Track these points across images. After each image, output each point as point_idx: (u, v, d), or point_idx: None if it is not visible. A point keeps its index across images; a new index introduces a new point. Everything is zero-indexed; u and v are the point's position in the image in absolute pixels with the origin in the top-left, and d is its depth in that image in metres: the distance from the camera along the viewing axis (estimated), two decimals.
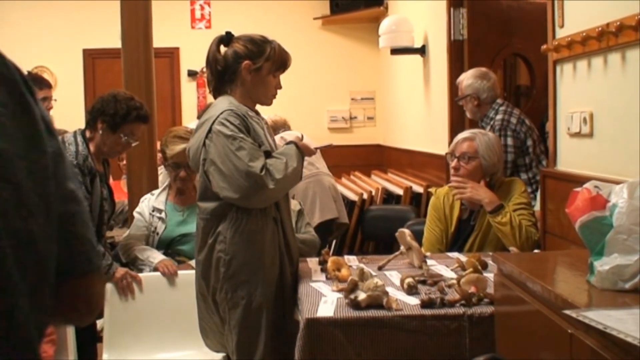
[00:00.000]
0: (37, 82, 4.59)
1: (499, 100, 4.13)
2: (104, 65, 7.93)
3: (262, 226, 2.76)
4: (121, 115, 3.28)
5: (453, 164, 3.36)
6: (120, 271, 3.30)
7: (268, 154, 2.76)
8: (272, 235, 2.79)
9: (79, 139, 3.26)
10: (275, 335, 2.76)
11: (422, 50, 5.79)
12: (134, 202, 4.28)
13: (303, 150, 2.85)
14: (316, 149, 3.12)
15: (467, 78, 4.18)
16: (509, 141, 3.92)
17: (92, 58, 8.19)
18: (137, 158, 4.31)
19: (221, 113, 2.71)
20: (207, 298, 2.86)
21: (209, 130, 2.71)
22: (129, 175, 4.50)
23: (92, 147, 3.28)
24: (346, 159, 7.71)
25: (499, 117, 4.02)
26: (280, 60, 2.86)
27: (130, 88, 4.50)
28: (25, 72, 1.08)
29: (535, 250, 3.14)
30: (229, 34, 2.88)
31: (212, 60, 2.84)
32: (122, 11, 4.52)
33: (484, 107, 4.13)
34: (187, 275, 3.32)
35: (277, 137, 5.36)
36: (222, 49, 2.86)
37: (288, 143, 2.88)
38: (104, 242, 3.38)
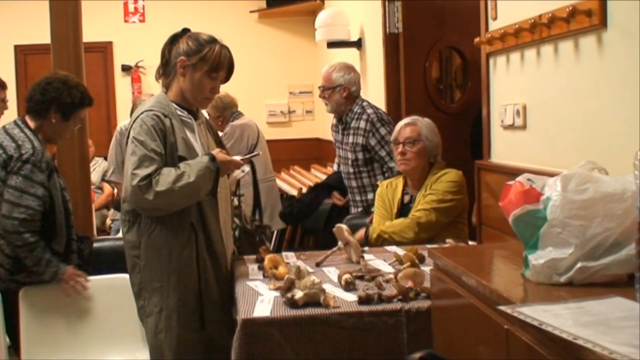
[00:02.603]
0: None
1: (362, 96, 4.33)
2: (36, 61, 7.74)
3: (176, 231, 2.68)
4: (77, 102, 3.20)
5: (399, 149, 3.47)
6: (68, 272, 3.12)
7: (183, 160, 2.65)
8: (188, 241, 2.70)
9: (27, 131, 3.12)
10: (189, 346, 2.71)
11: (358, 44, 5.78)
12: None
13: (219, 165, 2.67)
14: (242, 160, 2.90)
15: (336, 70, 4.27)
16: (383, 132, 4.09)
17: (24, 54, 8.01)
18: (69, 155, 4.19)
19: (141, 113, 2.67)
20: None
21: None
22: (60, 172, 4.36)
23: (40, 137, 3.15)
24: (285, 154, 7.67)
25: (370, 110, 4.19)
26: (217, 63, 2.73)
27: None
28: None
29: (471, 243, 3.17)
30: (184, 30, 2.80)
31: (161, 53, 2.80)
32: (51, 5, 4.40)
33: (350, 100, 4.25)
34: (107, 280, 3.26)
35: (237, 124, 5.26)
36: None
37: (206, 154, 2.72)
38: (72, 234, 3.22)
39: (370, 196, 4.17)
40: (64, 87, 3.17)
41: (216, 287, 2.76)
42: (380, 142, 4.10)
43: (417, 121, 3.51)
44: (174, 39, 2.78)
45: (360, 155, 4.16)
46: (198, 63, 2.71)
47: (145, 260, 2.69)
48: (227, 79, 2.84)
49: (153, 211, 2.64)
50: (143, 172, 2.55)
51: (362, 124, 4.14)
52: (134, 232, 2.71)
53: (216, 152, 2.74)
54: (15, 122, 3.20)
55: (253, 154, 3.13)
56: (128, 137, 2.68)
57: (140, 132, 2.61)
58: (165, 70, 2.80)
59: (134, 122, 2.67)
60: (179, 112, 2.73)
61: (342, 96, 4.23)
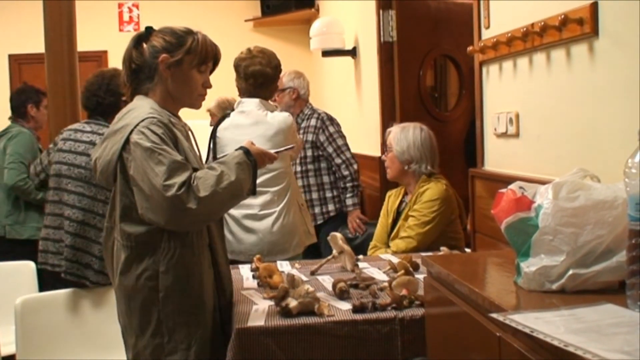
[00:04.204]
0: None
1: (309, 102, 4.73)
2: (31, 70, 7.76)
3: (199, 256, 2.36)
4: None
5: (383, 157, 3.70)
6: None
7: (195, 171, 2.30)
8: (209, 267, 2.42)
9: None
10: None
11: (353, 52, 5.79)
12: None
13: (255, 157, 2.41)
14: (277, 153, 2.63)
15: (286, 75, 4.62)
16: (332, 130, 4.56)
17: (19, 64, 8.04)
18: None
19: (141, 121, 2.28)
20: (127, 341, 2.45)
21: (127, 141, 2.27)
22: None
23: None
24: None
25: (320, 111, 4.66)
26: (205, 53, 2.46)
27: (54, 93, 4.38)
28: None
29: (466, 250, 3.17)
30: (148, 29, 2.47)
31: (127, 58, 2.43)
32: (45, 14, 4.41)
33: (300, 102, 4.64)
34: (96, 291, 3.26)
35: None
36: (145, 46, 2.45)
37: (239, 148, 2.43)
38: None
39: (315, 196, 4.44)
40: (117, 78, 3.27)
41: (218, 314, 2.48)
42: (328, 138, 4.52)
43: (393, 128, 3.64)
44: (139, 41, 2.44)
45: (309, 152, 4.49)
46: (185, 57, 2.41)
47: (165, 291, 2.30)
48: (213, 70, 2.55)
49: (192, 225, 2.28)
50: (179, 179, 2.17)
51: (313, 121, 4.53)
52: (150, 260, 2.31)
53: (248, 143, 2.46)
54: (96, 123, 3.35)
55: (288, 146, 3.04)
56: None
57: (155, 140, 2.23)
58: (139, 76, 2.43)
59: (130, 132, 2.27)
60: (172, 120, 2.40)
61: (292, 98, 4.60)
